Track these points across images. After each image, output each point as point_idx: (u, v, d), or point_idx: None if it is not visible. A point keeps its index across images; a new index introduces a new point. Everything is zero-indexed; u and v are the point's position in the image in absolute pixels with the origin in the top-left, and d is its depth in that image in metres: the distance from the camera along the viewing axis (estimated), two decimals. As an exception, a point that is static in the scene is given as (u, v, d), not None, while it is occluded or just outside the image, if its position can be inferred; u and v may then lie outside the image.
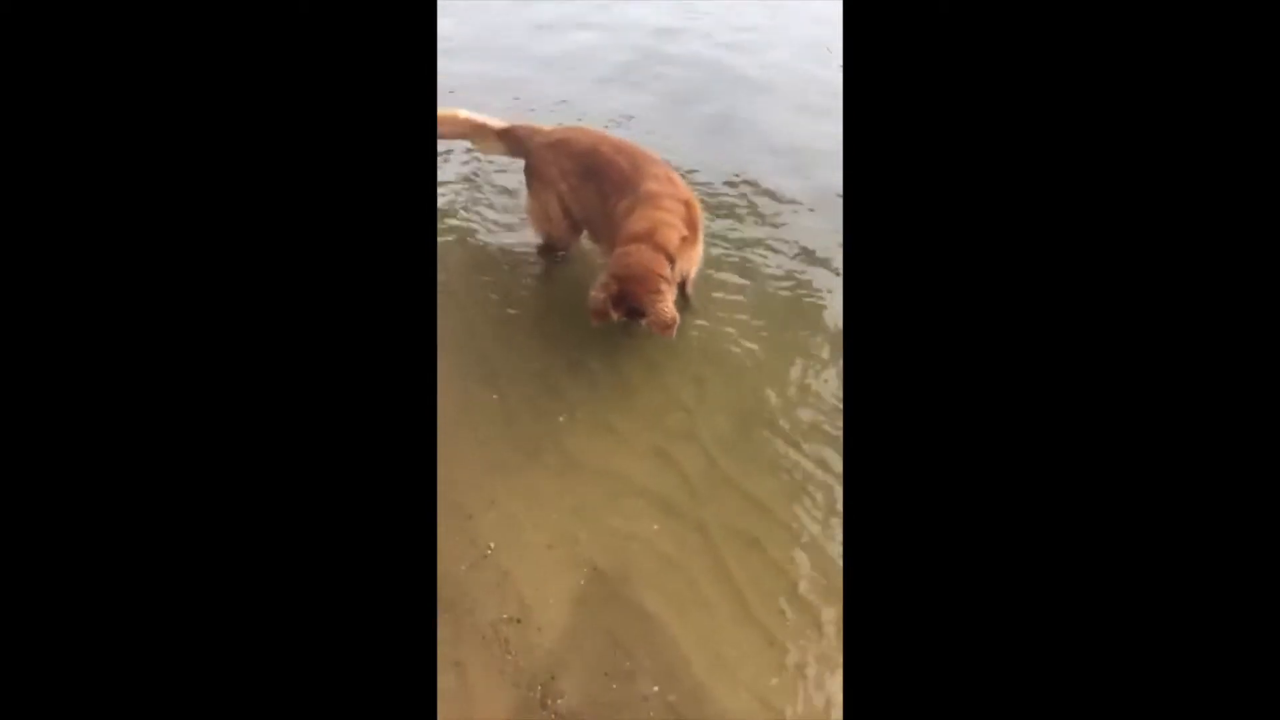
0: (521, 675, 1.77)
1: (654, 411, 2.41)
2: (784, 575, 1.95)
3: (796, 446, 2.29)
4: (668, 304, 2.38)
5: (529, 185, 2.78)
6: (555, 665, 1.79)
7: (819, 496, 2.14)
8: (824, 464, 2.23)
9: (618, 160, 2.64)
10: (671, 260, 2.44)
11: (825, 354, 2.59)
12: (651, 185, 2.54)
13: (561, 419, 2.35)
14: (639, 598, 1.92)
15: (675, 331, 2.39)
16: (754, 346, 2.63)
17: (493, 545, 2.01)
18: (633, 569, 1.98)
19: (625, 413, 2.39)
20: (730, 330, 2.70)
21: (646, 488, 2.18)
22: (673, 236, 2.46)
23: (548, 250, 2.89)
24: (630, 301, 2.37)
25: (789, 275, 2.93)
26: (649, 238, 2.42)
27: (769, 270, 2.95)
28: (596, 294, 2.41)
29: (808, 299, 2.83)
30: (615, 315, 2.39)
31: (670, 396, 2.46)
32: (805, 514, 2.09)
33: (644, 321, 2.39)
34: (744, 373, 2.55)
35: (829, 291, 2.86)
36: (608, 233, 2.61)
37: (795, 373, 2.54)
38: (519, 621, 1.86)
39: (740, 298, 2.83)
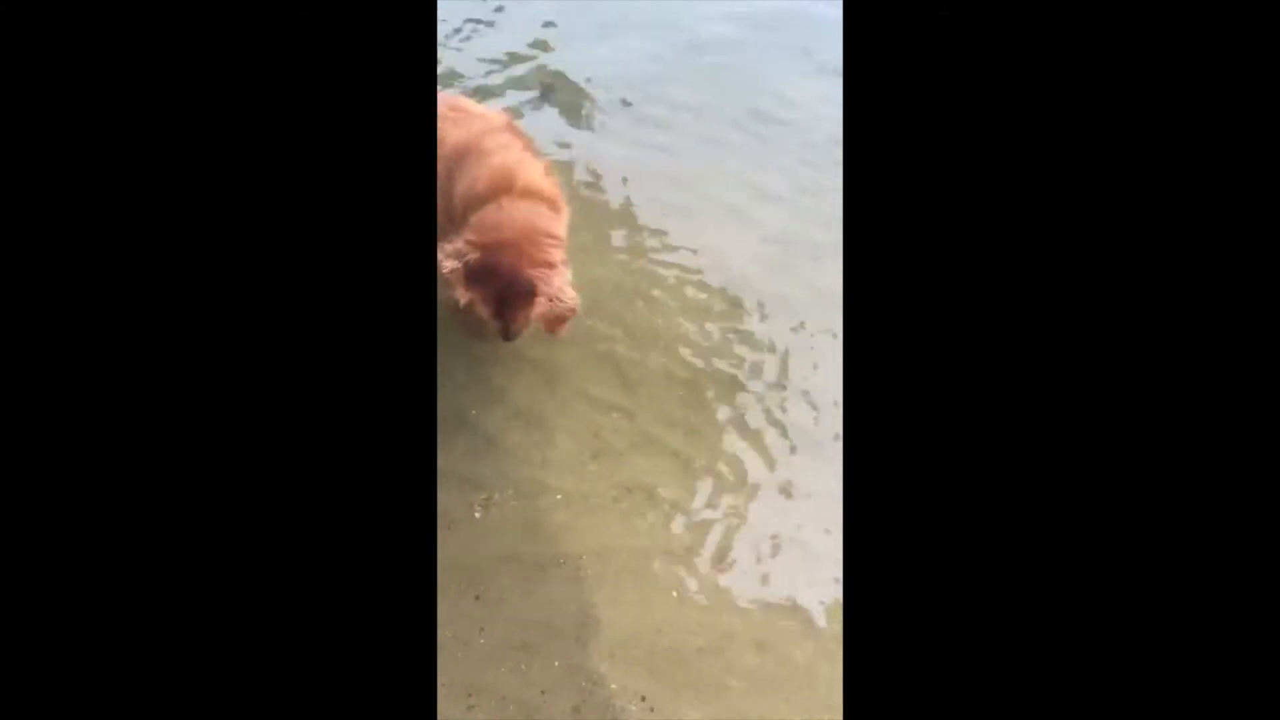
0: None
1: (581, 444, 1.83)
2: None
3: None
4: (563, 280, 1.60)
5: None
6: None
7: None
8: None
9: None
10: (556, 209, 1.66)
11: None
12: (452, 135, 1.69)
13: (478, 515, 1.71)
14: None
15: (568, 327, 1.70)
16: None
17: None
18: None
19: (552, 467, 1.80)
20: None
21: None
22: (538, 173, 1.66)
23: None
24: (503, 280, 1.53)
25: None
26: (509, 188, 1.59)
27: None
28: (443, 256, 1.55)
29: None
30: (471, 301, 1.55)
31: (593, 408, 1.88)
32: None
33: (522, 315, 1.58)
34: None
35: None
36: None
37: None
38: None
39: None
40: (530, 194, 1.60)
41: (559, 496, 1.75)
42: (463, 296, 1.56)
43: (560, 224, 1.65)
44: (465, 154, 1.66)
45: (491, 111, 1.81)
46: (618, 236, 2.24)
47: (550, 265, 1.58)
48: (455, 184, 1.64)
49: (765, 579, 1.66)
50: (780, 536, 1.72)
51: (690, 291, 2.14)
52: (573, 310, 1.64)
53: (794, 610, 1.62)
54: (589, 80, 2.73)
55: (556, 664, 1.52)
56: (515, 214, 1.56)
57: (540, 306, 1.58)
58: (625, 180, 2.40)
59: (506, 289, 1.55)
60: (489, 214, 1.57)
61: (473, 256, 1.53)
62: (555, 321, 1.66)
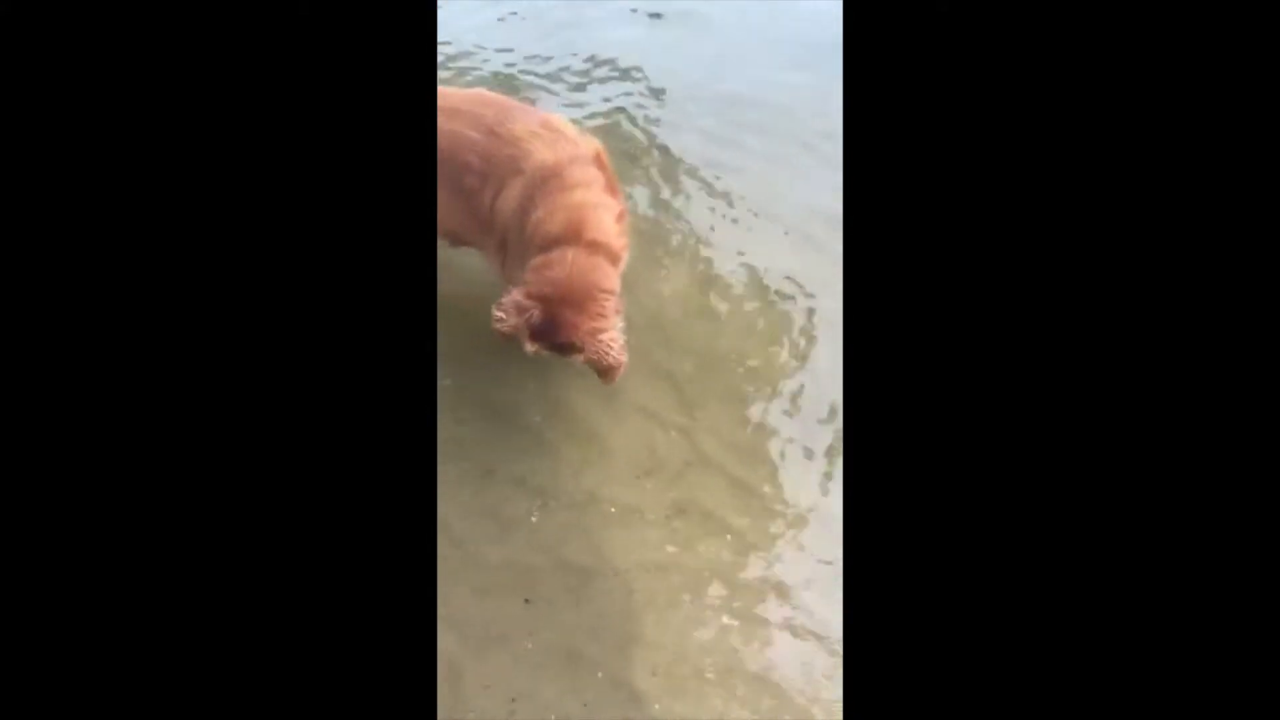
0: None
1: (637, 459, 1.84)
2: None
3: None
4: (615, 337, 1.67)
5: None
6: None
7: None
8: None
9: (466, 135, 1.76)
10: (616, 261, 1.71)
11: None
12: (540, 154, 1.72)
13: (534, 519, 1.74)
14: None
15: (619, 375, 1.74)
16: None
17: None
18: None
19: (608, 479, 1.81)
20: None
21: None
22: (608, 223, 1.70)
23: None
24: (560, 336, 1.64)
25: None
26: (577, 237, 1.65)
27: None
28: (506, 311, 1.66)
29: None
30: (532, 348, 1.68)
31: (651, 424, 1.89)
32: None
33: (579, 359, 1.70)
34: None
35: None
36: (492, 241, 1.81)
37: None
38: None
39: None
40: (596, 248, 1.67)
41: (613, 510, 1.76)
42: (530, 347, 1.67)
43: (617, 276, 1.72)
44: (548, 178, 1.70)
45: (583, 138, 1.83)
46: (684, 254, 2.25)
47: (604, 321, 1.65)
48: (534, 206, 1.70)
49: (816, 608, 1.63)
50: (834, 563, 1.69)
51: (754, 312, 2.13)
52: (618, 366, 1.71)
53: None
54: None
55: (600, 675, 1.53)
56: (577, 270, 1.63)
57: (590, 358, 1.68)
58: (690, 196, 2.40)
59: (564, 346, 1.66)
60: (553, 265, 1.64)
61: (535, 314, 1.62)
62: (605, 372, 1.73)
